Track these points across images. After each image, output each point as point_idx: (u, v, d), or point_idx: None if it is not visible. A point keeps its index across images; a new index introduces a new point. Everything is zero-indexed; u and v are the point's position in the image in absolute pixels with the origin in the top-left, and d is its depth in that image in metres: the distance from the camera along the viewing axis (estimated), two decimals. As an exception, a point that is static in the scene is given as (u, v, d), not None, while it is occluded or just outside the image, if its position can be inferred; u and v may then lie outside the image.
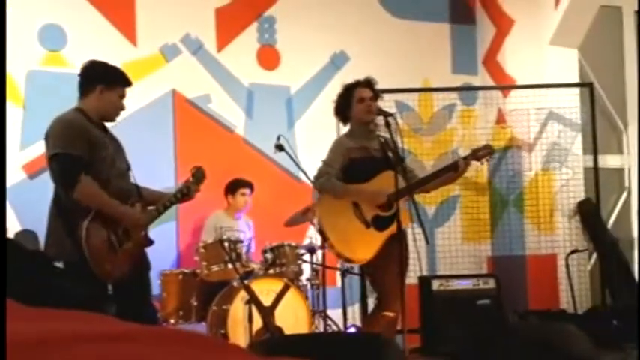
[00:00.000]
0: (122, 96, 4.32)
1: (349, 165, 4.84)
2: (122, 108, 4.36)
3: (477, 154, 4.92)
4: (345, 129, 5.20)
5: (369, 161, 4.87)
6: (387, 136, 4.74)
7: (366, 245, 4.76)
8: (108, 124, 4.41)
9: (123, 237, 4.20)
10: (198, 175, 4.46)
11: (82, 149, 4.09)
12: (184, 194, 4.40)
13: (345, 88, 5.02)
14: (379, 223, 4.78)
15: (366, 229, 4.76)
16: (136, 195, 4.34)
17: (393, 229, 4.74)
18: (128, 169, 4.37)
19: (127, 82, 4.34)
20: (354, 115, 4.93)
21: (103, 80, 4.25)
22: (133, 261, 4.24)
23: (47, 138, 4.20)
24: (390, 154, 4.90)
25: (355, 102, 4.90)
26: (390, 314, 4.75)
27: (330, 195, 4.85)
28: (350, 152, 4.87)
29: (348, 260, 5.07)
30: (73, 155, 4.07)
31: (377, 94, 4.98)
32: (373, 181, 4.81)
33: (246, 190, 6.75)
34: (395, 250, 4.65)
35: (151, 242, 4.36)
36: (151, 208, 4.37)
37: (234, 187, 6.75)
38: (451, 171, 4.87)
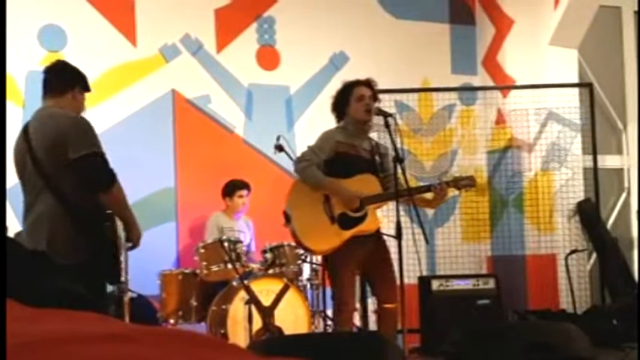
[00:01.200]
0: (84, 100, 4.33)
1: (334, 158, 4.83)
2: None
3: (458, 183, 4.84)
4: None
5: (354, 159, 4.86)
6: (381, 138, 4.74)
7: (326, 240, 4.75)
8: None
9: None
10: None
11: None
12: None
13: (345, 86, 5.01)
14: (344, 222, 4.76)
15: (330, 224, 4.75)
16: None
17: (356, 230, 4.75)
18: None
19: (90, 89, 4.35)
20: (350, 113, 4.90)
21: (79, 82, 4.24)
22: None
23: (64, 136, 4.00)
24: (378, 159, 4.89)
25: (354, 100, 4.88)
26: (344, 315, 4.77)
27: (306, 181, 4.83)
28: (338, 146, 4.85)
29: (304, 249, 5.08)
30: (104, 155, 4.03)
31: (376, 95, 4.97)
32: (353, 179, 4.79)
33: (244, 192, 6.74)
34: (356, 252, 4.70)
35: None
36: None
37: (231, 189, 6.74)
38: (429, 191, 4.82)
